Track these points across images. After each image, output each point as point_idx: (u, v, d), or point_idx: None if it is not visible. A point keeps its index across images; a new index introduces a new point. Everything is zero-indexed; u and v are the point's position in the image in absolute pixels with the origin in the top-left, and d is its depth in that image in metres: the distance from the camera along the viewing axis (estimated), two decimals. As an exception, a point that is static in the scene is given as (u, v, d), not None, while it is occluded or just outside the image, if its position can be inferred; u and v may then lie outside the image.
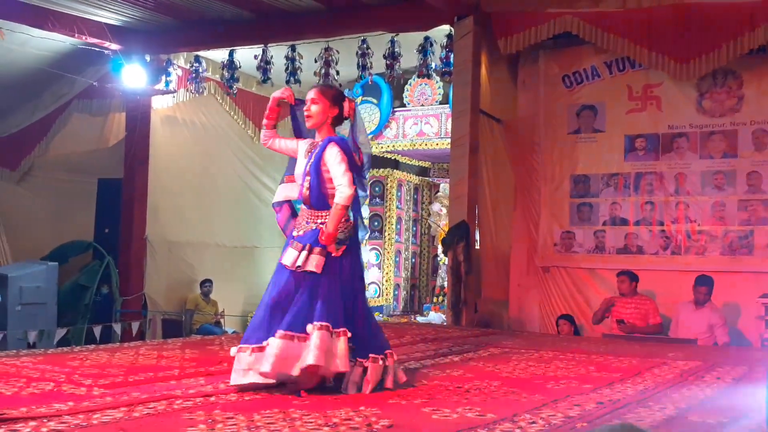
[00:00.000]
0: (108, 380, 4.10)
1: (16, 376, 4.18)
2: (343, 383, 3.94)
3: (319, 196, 4.07)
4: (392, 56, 9.54)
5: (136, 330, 10.11)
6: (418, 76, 12.03)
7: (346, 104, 4.20)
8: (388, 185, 13.67)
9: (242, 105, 12.32)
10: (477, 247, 9.08)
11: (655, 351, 6.17)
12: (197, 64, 11.09)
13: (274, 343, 3.78)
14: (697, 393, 4.13)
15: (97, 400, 3.51)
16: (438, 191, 14.33)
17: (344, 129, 4.29)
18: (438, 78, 11.76)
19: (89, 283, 11.31)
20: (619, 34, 8.47)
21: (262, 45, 10.25)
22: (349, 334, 3.87)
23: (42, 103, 11.69)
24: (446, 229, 9.41)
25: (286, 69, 10.17)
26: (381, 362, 3.99)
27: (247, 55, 10.63)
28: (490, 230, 9.36)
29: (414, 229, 14.35)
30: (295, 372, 3.78)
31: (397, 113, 12.80)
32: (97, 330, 9.75)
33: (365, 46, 9.73)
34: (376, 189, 13.72)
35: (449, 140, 9.46)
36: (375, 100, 12.75)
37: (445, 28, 9.28)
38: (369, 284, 13.53)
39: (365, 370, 3.95)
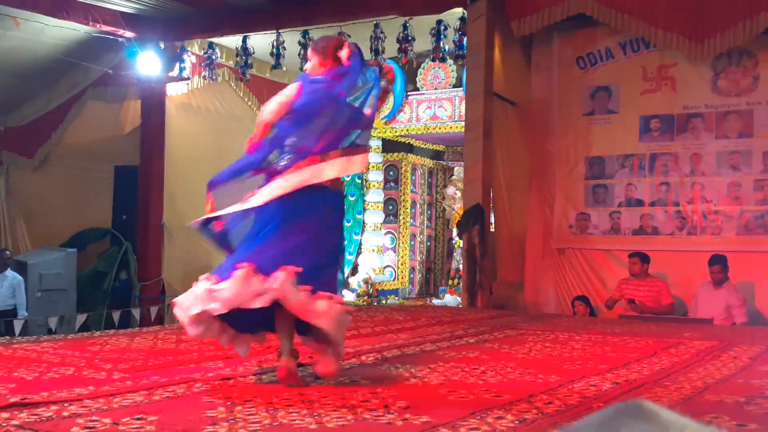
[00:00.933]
0: (128, 364, 4.15)
1: (37, 362, 4.23)
2: None
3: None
4: (405, 40, 9.53)
5: (154, 315, 10.19)
6: (432, 60, 12.02)
7: (344, 55, 3.87)
8: (403, 169, 13.68)
9: (256, 91, 12.34)
10: (492, 230, 9.09)
11: (672, 331, 6.16)
12: (211, 51, 11.12)
13: None
14: (713, 372, 4.13)
15: (118, 384, 3.55)
16: (452, 175, 14.33)
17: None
18: (451, 61, 11.74)
19: (108, 269, 11.41)
20: (634, 14, 8.41)
21: (275, 31, 10.25)
22: None
23: (57, 92, 11.76)
24: (461, 213, 9.42)
25: (300, 55, 10.17)
26: None
27: (260, 41, 10.63)
28: (504, 213, 9.37)
29: (429, 212, 14.37)
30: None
31: (410, 97, 12.78)
32: (117, 315, 9.84)
33: (378, 30, 9.72)
34: (391, 173, 13.74)
35: (463, 123, 9.46)
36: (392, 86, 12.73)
37: (458, 11, 9.26)
38: (384, 268, 13.58)
39: None
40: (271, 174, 3.75)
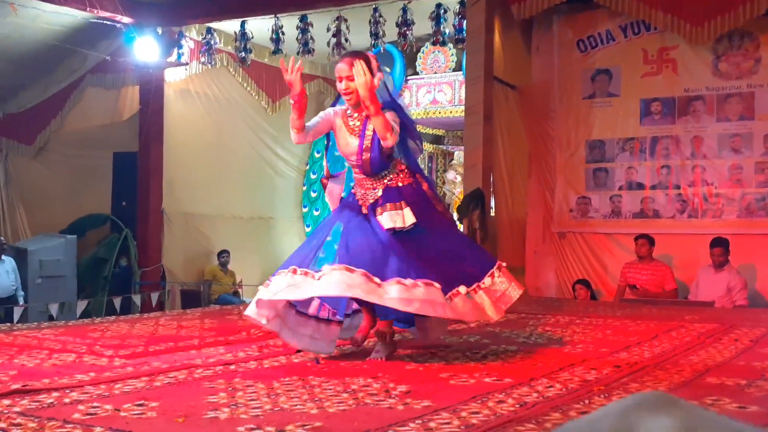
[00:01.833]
0: (129, 350, 4.15)
1: (38, 348, 4.23)
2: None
3: (381, 163, 4.02)
4: (405, 24, 9.47)
5: (155, 301, 10.20)
6: (431, 44, 11.97)
7: (374, 68, 4.01)
8: (403, 154, 13.64)
9: (255, 76, 12.31)
10: (492, 214, 9.08)
11: (672, 314, 6.17)
12: (209, 36, 11.07)
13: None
14: (714, 355, 4.13)
15: (119, 371, 3.55)
16: (452, 159, 14.30)
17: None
18: (451, 45, 11.68)
19: (108, 255, 11.41)
20: (634, -4, 8.38)
21: (274, 15, 10.21)
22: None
23: (55, 78, 11.73)
24: (461, 197, 9.39)
25: (298, 39, 10.13)
26: None
27: (259, 26, 10.59)
28: (505, 197, 9.35)
29: (429, 197, 14.33)
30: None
31: (410, 81, 12.74)
32: (117, 302, 9.85)
33: (377, 14, 9.66)
34: (391, 158, 13.71)
35: (463, 108, 9.43)
36: (388, 69, 12.67)
37: (458, -6, 9.21)
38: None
39: None
40: None
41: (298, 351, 4.10)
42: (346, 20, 9.86)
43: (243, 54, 10.81)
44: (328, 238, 4.01)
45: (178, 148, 11.61)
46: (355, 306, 4.24)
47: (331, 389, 3.14)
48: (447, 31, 9.61)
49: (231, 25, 10.91)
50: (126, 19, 10.37)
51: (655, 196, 9.11)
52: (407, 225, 3.90)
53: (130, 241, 11.43)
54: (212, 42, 11.10)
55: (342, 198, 4.45)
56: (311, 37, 10.09)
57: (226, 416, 2.67)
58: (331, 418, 2.65)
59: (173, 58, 11.08)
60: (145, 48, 10.62)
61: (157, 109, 11.25)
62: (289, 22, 10.21)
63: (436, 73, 12.54)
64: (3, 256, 10.08)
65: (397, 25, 9.52)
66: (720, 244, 7.94)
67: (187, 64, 11.30)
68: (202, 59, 11.26)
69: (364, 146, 4.00)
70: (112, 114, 11.59)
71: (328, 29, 9.90)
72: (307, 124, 4.19)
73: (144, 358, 3.91)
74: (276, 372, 3.57)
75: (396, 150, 4.07)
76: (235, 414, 2.69)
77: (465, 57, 9.49)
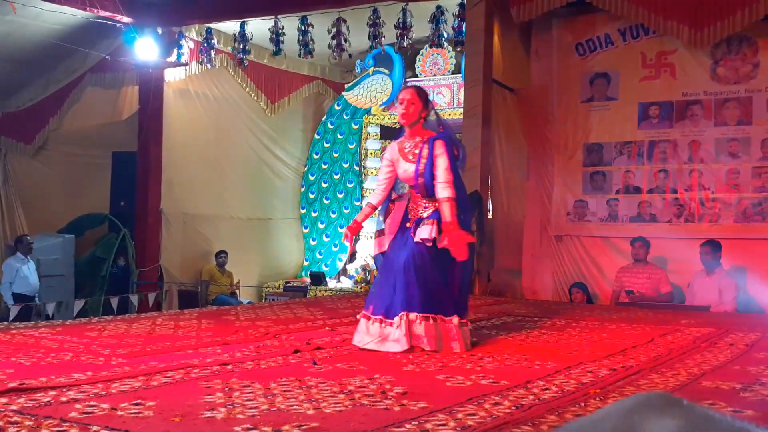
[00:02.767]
0: (126, 350, 4.16)
1: (35, 347, 4.24)
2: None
3: (432, 188, 4.54)
4: (404, 26, 9.49)
5: (152, 301, 10.19)
6: (430, 46, 11.98)
7: (431, 103, 4.74)
8: (401, 156, 13.64)
9: (254, 77, 12.32)
10: (490, 216, 9.09)
11: (669, 318, 6.19)
12: (209, 37, 11.08)
13: (415, 323, 4.34)
14: (710, 359, 4.14)
15: (116, 370, 3.56)
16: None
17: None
18: (450, 47, 11.69)
19: (106, 255, 11.42)
20: (633, 1, 8.37)
21: (274, 16, 10.21)
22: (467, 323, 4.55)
23: (55, 77, 11.72)
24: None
25: (298, 40, 10.14)
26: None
27: (258, 27, 10.60)
28: (502, 200, 9.36)
29: (427, 199, 14.34)
30: (429, 348, 4.29)
31: (409, 84, 12.74)
32: (115, 301, 9.84)
33: (376, 16, 9.68)
34: (389, 160, 13.70)
35: (462, 110, 9.43)
36: (387, 71, 12.70)
37: (457, -3, 9.22)
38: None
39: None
40: None
41: (296, 352, 4.12)
42: (345, 22, 9.87)
43: (241, 55, 10.82)
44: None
45: (177, 148, 11.61)
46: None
47: (327, 390, 3.15)
48: (446, 33, 9.62)
49: (231, 26, 10.92)
50: (126, 19, 10.38)
51: (652, 200, 9.12)
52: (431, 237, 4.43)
53: (128, 240, 11.42)
54: (212, 42, 11.11)
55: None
56: (311, 39, 10.11)
57: (222, 416, 2.68)
58: (327, 419, 2.66)
59: (173, 58, 11.08)
60: (144, 48, 10.62)
61: (157, 109, 11.25)
62: (289, 24, 10.22)
63: (435, 75, 12.54)
64: (28, 256, 10.23)
65: (397, 27, 9.54)
66: (709, 244, 7.97)
67: (186, 64, 11.30)
68: (202, 59, 11.26)
69: (419, 171, 4.58)
70: (112, 113, 11.59)
71: (328, 31, 9.92)
72: (377, 187, 4.93)
73: (141, 358, 3.91)
74: (273, 372, 3.57)
75: None
76: (231, 414, 2.70)
77: (464, 59, 9.50)
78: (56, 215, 11.82)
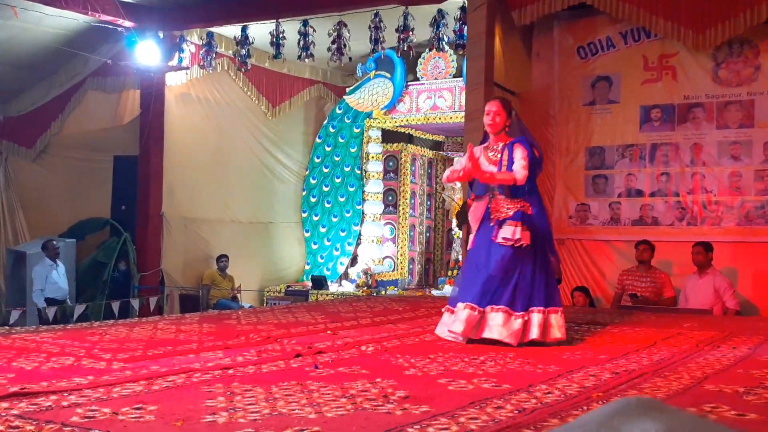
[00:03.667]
0: (127, 354, 4.14)
1: (36, 351, 4.22)
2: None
3: (515, 187, 4.92)
4: (405, 29, 9.49)
5: (153, 305, 10.21)
6: (431, 50, 11.98)
7: (514, 112, 5.19)
8: (402, 159, 13.66)
9: (255, 81, 12.33)
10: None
11: (671, 321, 6.17)
12: (210, 40, 11.10)
13: (497, 317, 4.74)
14: (713, 363, 4.13)
15: (117, 374, 3.55)
16: (452, 165, 14.29)
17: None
18: (451, 51, 11.70)
19: (107, 259, 11.41)
20: (635, 3, 8.37)
21: (275, 20, 10.22)
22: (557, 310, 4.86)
23: (57, 82, 11.74)
24: (461, 203, 9.40)
25: (299, 44, 10.15)
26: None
27: (259, 31, 10.61)
28: (504, 203, 9.33)
29: (428, 203, 14.36)
30: (509, 340, 4.69)
31: (410, 87, 12.76)
32: (116, 305, 9.85)
33: (378, 19, 9.69)
34: (390, 164, 13.72)
35: (463, 114, 9.43)
36: (388, 74, 12.71)
37: (458, 0, 9.22)
38: (384, 258, 13.59)
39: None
40: None
41: (297, 356, 4.11)
42: (346, 25, 9.88)
43: (242, 59, 10.82)
44: None
45: (179, 152, 11.62)
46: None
47: (329, 394, 3.14)
48: (447, 36, 9.63)
49: (232, 30, 10.94)
50: (127, 23, 10.39)
51: (654, 204, 9.11)
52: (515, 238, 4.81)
53: (129, 245, 11.42)
54: (213, 46, 11.12)
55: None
56: (312, 42, 10.11)
57: (224, 420, 2.67)
58: (329, 423, 2.65)
59: (174, 62, 11.10)
60: (146, 52, 10.63)
61: (158, 113, 11.26)
62: (290, 27, 10.23)
63: (436, 78, 12.56)
64: (57, 260, 10.25)
65: (398, 30, 9.55)
66: (701, 243, 7.97)
67: (187, 68, 11.32)
68: (203, 63, 11.28)
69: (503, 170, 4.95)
70: (113, 117, 11.60)
71: (329, 34, 9.92)
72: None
73: (142, 362, 3.90)
74: (274, 376, 3.56)
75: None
76: (233, 418, 2.69)
77: (465, 63, 9.49)
78: (57, 219, 11.82)
